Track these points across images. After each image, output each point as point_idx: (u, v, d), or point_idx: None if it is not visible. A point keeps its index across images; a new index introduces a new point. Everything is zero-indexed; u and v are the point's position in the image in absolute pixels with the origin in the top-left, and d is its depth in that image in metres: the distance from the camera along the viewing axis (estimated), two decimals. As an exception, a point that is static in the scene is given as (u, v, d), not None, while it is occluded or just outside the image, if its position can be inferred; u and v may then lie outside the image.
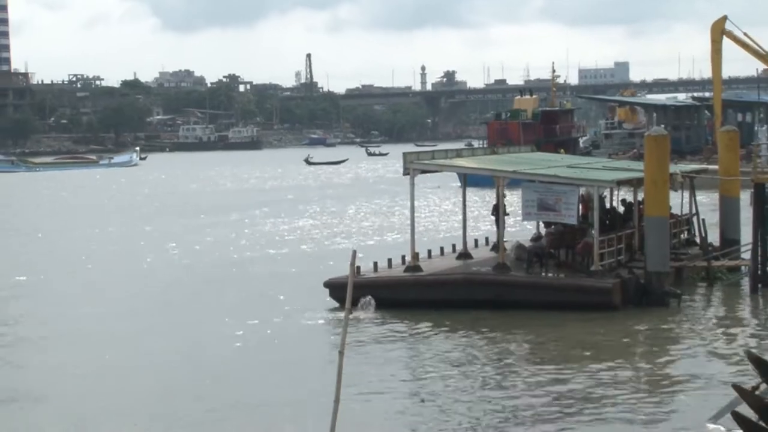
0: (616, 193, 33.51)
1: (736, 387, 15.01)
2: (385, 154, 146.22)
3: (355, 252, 10.58)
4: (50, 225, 55.41)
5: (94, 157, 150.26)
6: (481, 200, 53.64)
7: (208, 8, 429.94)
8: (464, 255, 30.42)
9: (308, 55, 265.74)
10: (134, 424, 17.64)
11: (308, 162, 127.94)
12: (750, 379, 19.28)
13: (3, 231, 53.72)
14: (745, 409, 14.57)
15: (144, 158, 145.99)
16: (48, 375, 21.70)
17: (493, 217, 30.13)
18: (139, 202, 71.50)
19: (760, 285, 28.27)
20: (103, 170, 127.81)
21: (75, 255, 41.69)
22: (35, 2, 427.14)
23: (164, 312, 28.65)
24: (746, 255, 30.19)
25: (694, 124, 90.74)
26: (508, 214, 29.88)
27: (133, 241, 46.80)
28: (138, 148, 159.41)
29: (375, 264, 28.54)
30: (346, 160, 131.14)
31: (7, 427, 17.86)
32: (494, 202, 29.88)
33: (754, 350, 18.88)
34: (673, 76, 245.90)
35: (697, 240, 33.33)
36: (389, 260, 29.23)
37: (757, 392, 14.63)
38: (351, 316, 10.19)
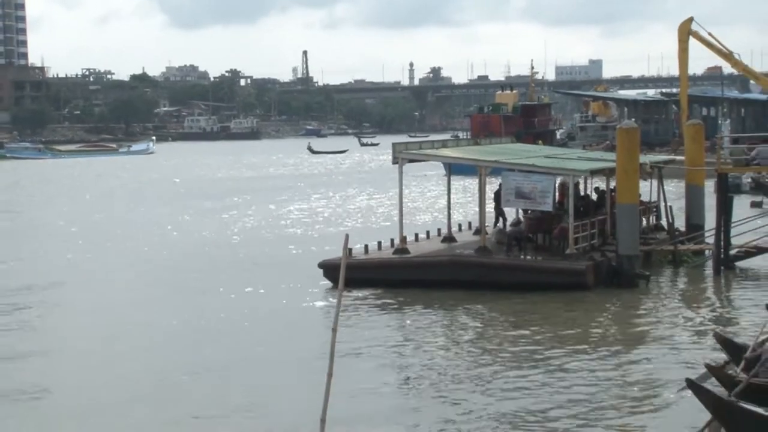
0: (589, 181, 33.52)
1: (708, 365, 15.06)
2: (377, 144, 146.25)
3: (347, 236, 10.49)
4: (89, 207, 55.52)
5: (114, 145, 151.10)
6: (464, 188, 53.63)
7: (213, 6, 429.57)
8: (448, 238, 30.43)
9: (304, 52, 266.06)
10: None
11: (311, 150, 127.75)
12: (711, 351, 19.38)
13: (44, 212, 53.84)
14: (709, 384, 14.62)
15: None
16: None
17: (494, 203, 30.08)
18: (162, 187, 71.61)
19: (722, 267, 28.34)
20: (122, 157, 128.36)
21: (100, 235, 41.71)
22: (52, 0, 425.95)
23: (169, 290, 28.55)
24: (710, 239, 30.22)
25: (663, 118, 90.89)
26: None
27: (154, 223, 46.75)
28: (154, 137, 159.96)
29: (366, 246, 28.56)
30: (347, 150, 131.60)
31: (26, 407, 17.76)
32: (495, 189, 29.90)
33: (719, 330, 18.87)
34: (643, 73, 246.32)
35: (665, 225, 33.38)
36: (379, 243, 29.25)
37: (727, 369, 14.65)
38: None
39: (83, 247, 38.29)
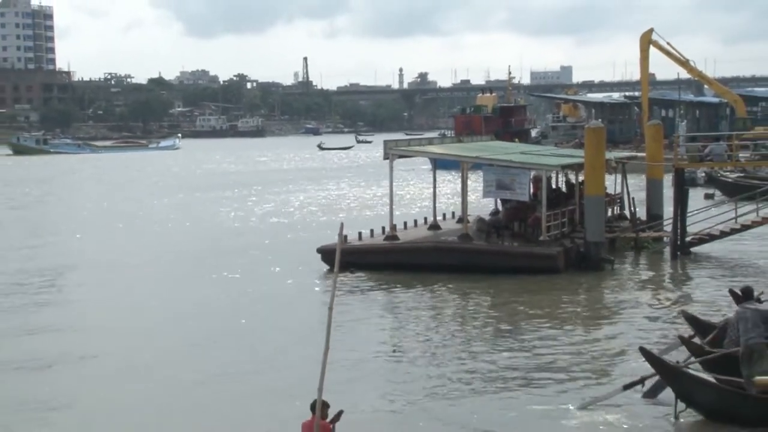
0: (561, 175, 33.52)
1: (681, 337, 15.38)
2: (370, 141, 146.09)
3: (342, 224, 10.53)
4: (125, 197, 55.47)
5: (144, 141, 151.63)
6: (448, 181, 53.59)
7: (225, 17, 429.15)
8: (434, 226, 30.42)
9: (305, 58, 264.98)
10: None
11: (320, 147, 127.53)
12: (669, 324, 19.51)
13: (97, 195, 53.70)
14: (673, 357, 14.76)
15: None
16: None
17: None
18: (189, 180, 71.60)
19: (679, 252, 28.42)
20: (152, 152, 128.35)
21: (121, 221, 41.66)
22: (79, 10, 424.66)
23: (185, 274, 28.51)
24: (668, 228, 30.28)
25: (626, 119, 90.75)
26: None
27: (178, 211, 46.78)
28: (180, 135, 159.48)
29: (360, 233, 28.56)
30: (353, 146, 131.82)
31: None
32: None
33: (685, 309, 18.91)
34: (609, 78, 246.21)
35: (628, 215, 33.42)
36: (371, 230, 29.23)
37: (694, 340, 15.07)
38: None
39: (118, 232, 38.34)
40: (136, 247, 34.29)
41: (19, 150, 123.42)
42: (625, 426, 13.60)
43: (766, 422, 12.71)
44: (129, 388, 16.29)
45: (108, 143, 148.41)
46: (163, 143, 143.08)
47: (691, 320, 16.18)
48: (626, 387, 14.19)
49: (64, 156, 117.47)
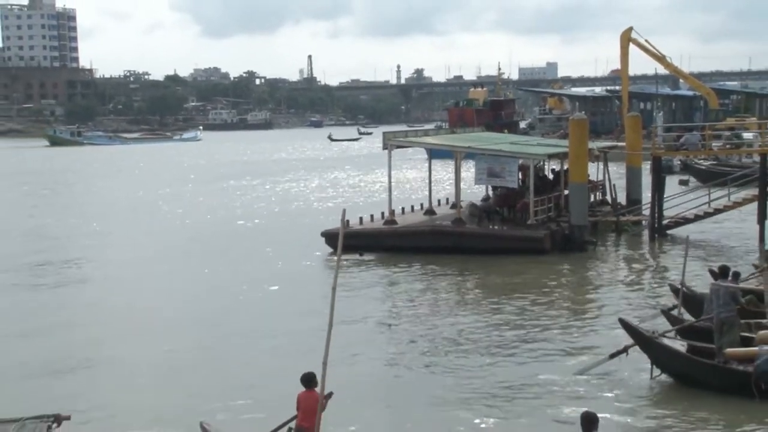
0: (547, 164, 33.47)
1: (664, 312, 15.62)
2: (371, 133, 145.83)
3: (344, 210, 10.48)
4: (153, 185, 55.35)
5: (169, 133, 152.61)
6: (443, 169, 53.54)
7: (238, 19, 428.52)
8: (430, 211, 30.43)
9: (309, 56, 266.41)
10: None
11: (331, 139, 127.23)
12: (647, 298, 19.54)
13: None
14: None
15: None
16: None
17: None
18: (211, 169, 71.63)
19: (656, 235, 28.43)
20: (176, 143, 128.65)
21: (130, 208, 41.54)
22: (102, 14, 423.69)
23: (201, 256, 28.49)
24: (646, 212, 30.28)
25: (607, 111, 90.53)
26: None
27: (196, 198, 46.74)
28: (201, 127, 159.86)
29: (360, 218, 28.57)
30: (361, 138, 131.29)
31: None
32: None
33: (671, 281, 18.95)
34: (592, 73, 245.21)
35: (609, 200, 33.41)
36: (371, 215, 29.26)
37: (672, 312, 15.34)
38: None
39: (144, 219, 38.31)
40: (157, 232, 34.28)
41: (55, 141, 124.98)
42: (608, 389, 13.76)
43: (725, 387, 13.06)
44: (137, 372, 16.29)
45: (135, 135, 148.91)
46: (186, 135, 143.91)
47: (676, 291, 16.40)
48: (612, 356, 14.33)
49: (96, 147, 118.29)
